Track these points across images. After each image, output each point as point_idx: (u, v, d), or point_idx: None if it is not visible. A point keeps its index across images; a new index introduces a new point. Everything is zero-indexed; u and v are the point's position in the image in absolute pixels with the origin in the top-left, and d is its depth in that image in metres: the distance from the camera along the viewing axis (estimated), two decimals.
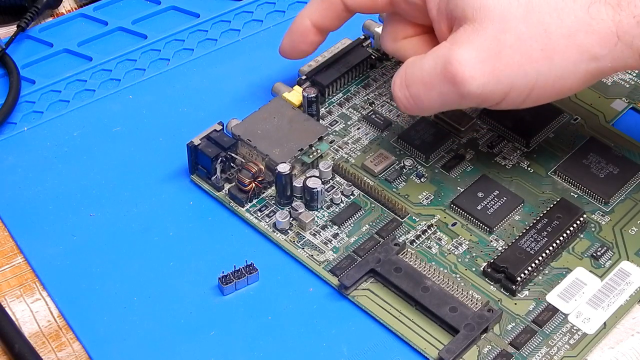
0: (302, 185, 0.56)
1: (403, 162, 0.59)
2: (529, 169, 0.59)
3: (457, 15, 0.51)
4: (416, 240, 0.55)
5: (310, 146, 0.57)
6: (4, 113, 0.61)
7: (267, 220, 0.56)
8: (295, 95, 0.60)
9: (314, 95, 0.59)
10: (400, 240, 0.55)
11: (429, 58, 0.51)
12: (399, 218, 0.56)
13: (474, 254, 0.55)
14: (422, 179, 0.58)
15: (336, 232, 0.56)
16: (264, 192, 0.57)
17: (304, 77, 0.61)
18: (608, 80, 0.63)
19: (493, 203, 0.56)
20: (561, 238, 0.54)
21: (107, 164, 0.59)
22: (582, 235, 0.55)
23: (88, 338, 0.52)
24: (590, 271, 0.54)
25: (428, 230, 0.56)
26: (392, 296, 0.53)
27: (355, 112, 0.61)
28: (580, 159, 0.58)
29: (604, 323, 0.52)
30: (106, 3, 0.69)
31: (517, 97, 0.51)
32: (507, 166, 0.59)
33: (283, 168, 0.55)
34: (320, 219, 0.56)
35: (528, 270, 0.53)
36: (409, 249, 0.54)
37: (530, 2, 0.49)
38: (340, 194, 0.57)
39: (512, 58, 0.49)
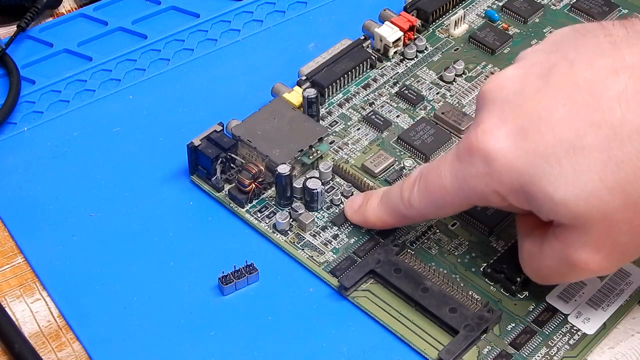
0: (302, 186, 0.56)
1: (403, 162, 0.59)
2: None
3: (551, 220, 0.48)
4: (416, 241, 0.55)
5: (310, 147, 0.57)
6: (4, 113, 0.61)
7: (267, 221, 0.56)
8: (295, 95, 0.60)
9: (314, 95, 0.59)
10: (400, 241, 0.55)
11: (549, 257, 0.49)
12: None
13: (474, 255, 0.55)
14: None
15: (336, 233, 0.56)
16: (264, 193, 0.57)
17: (304, 78, 0.61)
18: None
19: None
20: None
21: (107, 164, 0.59)
22: None
23: (88, 338, 0.52)
24: None
25: (428, 231, 0.56)
26: (392, 297, 0.53)
27: (355, 112, 0.61)
28: None
29: (604, 323, 0.52)
30: (106, 3, 0.69)
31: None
32: None
33: (283, 169, 0.55)
34: (320, 219, 0.56)
35: None
36: (408, 250, 0.54)
37: (624, 188, 0.46)
38: (340, 194, 0.57)
39: (632, 241, 0.48)
